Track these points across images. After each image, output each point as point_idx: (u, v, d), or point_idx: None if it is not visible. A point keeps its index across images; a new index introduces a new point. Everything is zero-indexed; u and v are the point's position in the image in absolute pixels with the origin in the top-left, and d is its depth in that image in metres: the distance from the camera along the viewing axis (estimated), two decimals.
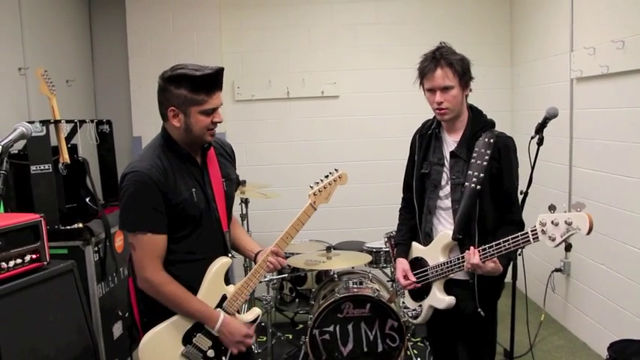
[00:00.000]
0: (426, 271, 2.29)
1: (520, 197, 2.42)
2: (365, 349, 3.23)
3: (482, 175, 2.12)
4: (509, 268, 2.27)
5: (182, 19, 4.74)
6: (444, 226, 2.25)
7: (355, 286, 3.35)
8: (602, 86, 3.49)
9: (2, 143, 1.81)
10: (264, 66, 4.90)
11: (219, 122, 1.99)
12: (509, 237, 1.98)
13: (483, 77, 4.84)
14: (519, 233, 1.96)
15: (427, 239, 2.33)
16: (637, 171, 3.15)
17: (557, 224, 1.82)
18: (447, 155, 2.26)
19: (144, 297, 2.00)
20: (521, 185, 2.42)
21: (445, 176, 2.25)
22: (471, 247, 2.09)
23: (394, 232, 3.49)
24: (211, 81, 1.92)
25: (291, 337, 4.02)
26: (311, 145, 4.96)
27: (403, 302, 2.48)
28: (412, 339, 3.77)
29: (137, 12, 4.72)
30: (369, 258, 3.64)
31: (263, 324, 3.76)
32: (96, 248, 3.13)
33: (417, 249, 2.37)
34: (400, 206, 2.52)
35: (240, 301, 2.09)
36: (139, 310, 2.07)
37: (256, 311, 2.15)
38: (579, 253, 3.87)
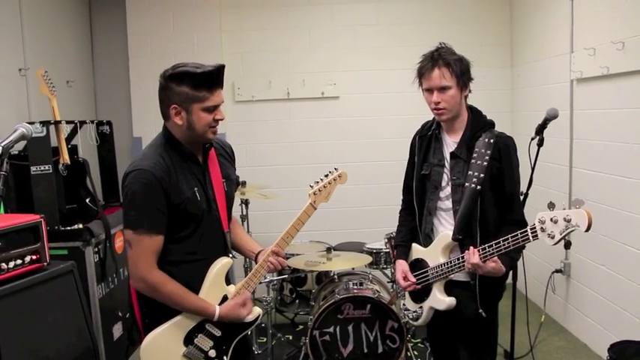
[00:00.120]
0: (426, 272, 2.29)
1: (520, 198, 2.41)
2: (365, 350, 3.22)
3: (482, 175, 2.12)
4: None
5: (182, 19, 4.75)
6: (445, 227, 2.25)
7: (355, 287, 3.35)
8: (603, 87, 3.49)
9: (2, 144, 1.81)
10: (264, 67, 4.90)
11: (221, 120, 2.00)
12: (509, 236, 1.98)
13: (483, 78, 4.84)
14: (519, 232, 1.96)
15: (427, 240, 2.32)
16: (637, 172, 3.15)
17: (556, 221, 1.81)
18: (447, 156, 2.26)
19: (145, 298, 2.00)
20: (522, 186, 2.42)
21: (445, 177, 2.25)
22: (471, 247, 2.09)
23: (394, 233, 3.51)
24: (212, 78, 1.94)
25: (291, 338, 4.02)
26: (311, 145, 4.96)
27: (404, 304, 2.48)
28: (412, 340, 3.77)
29: (137, 13, 4.72)
30: (370, 259, 3.65)
31: (263, 325, 3.76)
32: (96, 249, 3.13)
33: (417, 250, 2.37)
34: (400, 208, 2.52)
35: (240, 300, 2.09)
36: (140, 311, 2.06)
37: (257, 311, 2.15)
38: (579, 254, 3.87)
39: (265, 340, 3.77)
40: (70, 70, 4.41)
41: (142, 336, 2.05)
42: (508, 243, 1.98)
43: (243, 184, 3.93)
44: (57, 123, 3.25)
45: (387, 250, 3.69)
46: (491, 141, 2.15)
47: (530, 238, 1.92)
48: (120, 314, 3.39)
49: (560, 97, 3.96)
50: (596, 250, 3.62)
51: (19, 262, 2.18)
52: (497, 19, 4.98)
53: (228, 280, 2.13)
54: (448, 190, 2.24)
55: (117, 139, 3.94)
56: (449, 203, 2.24)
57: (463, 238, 2.16)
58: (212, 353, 2.06)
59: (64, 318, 2.37)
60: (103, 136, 3.77)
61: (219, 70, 1.95)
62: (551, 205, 1.84)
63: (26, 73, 3.67)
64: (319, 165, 4.71)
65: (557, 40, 4.02)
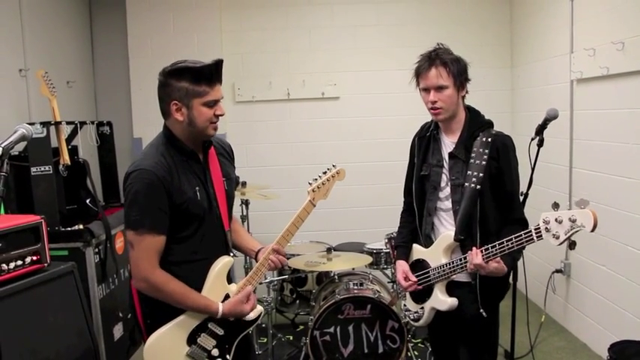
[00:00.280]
0: (428, 272, 2.29)
1: (520, 198, 2.41)
2: (365, 351, 3.23)
3: (481, 174, 2.12)
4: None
5: (183, 20, 4.75)
6: (446, 228, 2.25)
7: (356, 287, 3.35)
8: (603, 87, 3.49)
9: (3, 145, 1.81)
10: (264, 67, 4.90)
11: (222, 115, 2.01)
12: (513, 236, 1.97)
13: (483, 78, 4.85)
14: (523, 232, 1.95)
15: (428, 241, 2.32)
16: (637, 172, 3.15)
17: (560, 222, 1.81)
18: (446, 156, 2.26)
19: (147, 299, 2.00)
20: (522, 186, 2.42)
21: (445, 177, 2.25)
22: (474, 248, 2.08)
23: (395, 234, 3.50)
24: (211, 72, 1.95)
25: (291, 338, 4.02)
26: (311, 146, 4.96)
27: (404, 305, 2.48)
28: (413, 340, 3.77)
29: (138, 13, 4.72)
30: (370, 259, 3.65)
31: (264, 325, 3.76)
32: (96, 250, 3.13)
33: (418, 251, 2.37)
34: (402, 209, 2.52)
35: (242, 298, 2.09)
36: (142, 312, 2.06)
37: (258, 309, 2.15)
38: (579, 254, 3.87)
39: (266, 340, 3.77)
40: (70, 71, 4.41)
41: (144, 337, 2.05)
42: (512, 243, 1.98)
43: (244, 184, 3.93)
44: (57, 124, 3.25)
45: (388, 250, 3.69)
46: (489, 140, 2.15)
47: (535, 238, 1.91)
48: (120, 315, 3.39)
49: (561, 97, 3.96)
50: (597, 250, 3.62)
51: (19, 262, 2.18)
52: (497, 19, 4.98)
53: (230, 279, 2.13)
54: (447, 190, 2.24)
55: (117, 139, 3.94)
56: (448, 203, 2.24)
57: (464, 239, 2.16)
58: (215, 352, 2.06)
59: (64, 319, 2.37)
60: (103, 136, 3.77)
61: (218, 64, 1.96)
62: (556, 206, 1.84)
63: (26, 73, 3.67)
64: (319, 165, 4.64)
65: (558, 41, 4.02)
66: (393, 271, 3.76)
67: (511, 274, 2.28)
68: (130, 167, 1.96)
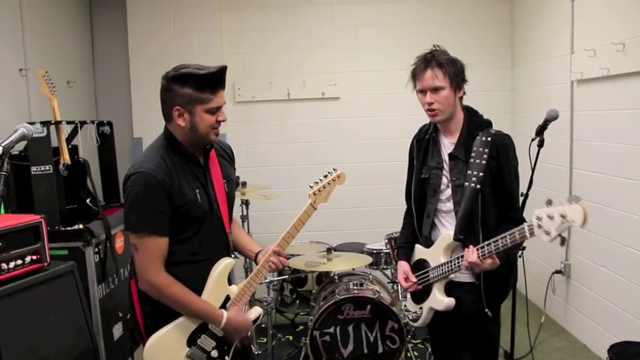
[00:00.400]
0: (427, 272, 2.29)
1: (521, 199, 2.41)
2: (365, 351, 3.23)
3: (481, 174, 2.11)
4: None
5: (183, 20, 4.75)
6: (447, 229, 2.24)
7: (356, 287, 3.35)
8: (603, 88, 3.49)
9: (3, 144, 1.81)
10: (264, 67, 4.90)
11: (224, 121, 2.01)
12: (507, 233, 1.97)
13: (484, 79, 4.86)
14: (516, 229, 1.94)
15: (428, 243, 2.33)
16: (637, 173, 3.15)
17: (552, 218, 1.80)
18: (446, 158, 2.25)
19: (147, 299, 2.00)
20: (522, 187, 2.42)
21: (445, 179, 2.25)
22: (470, 246, 2.08)
23: (395, 234, 3.51)
24: (215, 79, 1.94)
25: (291, 338, 4.02)
26: (311, 146, 4.96)
27: (405, 305, 2.48)
28: (412, 341, 3.77)
29: (138, 13, 4.72)
30: (370, 259, 3.65)
31: (263, 325, 3.76)
32: (96, 249, 3.13)
33: (419, 251, 2.37)
34: (405, 210, 2.52)
35: (243, 302, 2.10)
36: (142, 312, 2.06)
37: (258, 310, 2.16)
38: (579, 254, 3.87)
39: (265, 340, 3.77)
40: (70, 71, 4.41)
41: (144, 337, 2.05)
42: (506, 240, 1.97)
43: (244, 184, 3.93)
44: (57, 123, 3.25)
45: (388, 250, 3.69)
46: (489, 139, 2.15)
47: (527, 234, 1.90)
48: (120, 315, 3.39)
49: (561, 98, 3.96)
50: (596, 251, 3.62)
51: (19, 262, 2.18)
52: (497, 20, 4.98)
53: (230, 281, 2.13)
54: (448, 192, 2.24)
55: (117, 139, 3.94)
56: (450, 205, 2.23)
57: (465, 238, 2.16)
58: (214, 353, 2.06)
59: (64, 318, 2.37)
60: (103, 136, 3.77)
61: (222, 71, 1.96)
62: (549, 202, 1.84)
63: (27, 73, 3.67)
64: (320, 165, 4.68)
65: (558, 41, 4.03)
66: (393, 271, 3.77)
67: (511, 274, 2.28)
68: (130, 169, 1.96)
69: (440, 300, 2.23)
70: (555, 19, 4.10)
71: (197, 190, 2.01)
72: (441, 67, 2.15)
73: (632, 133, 3.18)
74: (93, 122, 3.72)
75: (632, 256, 3.22)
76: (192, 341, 2.03)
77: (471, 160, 2.15)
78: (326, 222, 4.67)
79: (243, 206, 4.09)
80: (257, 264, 2.15)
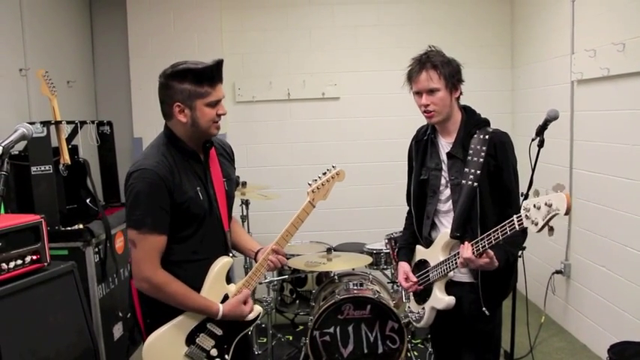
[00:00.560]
0: (427, 272, 2.29)
1: (520, 199, 2.41)
2: (365, 351, 3.22)
3: (478, 172, 2.11)
4: None
5: (183, 20, 4.75)
6: (447, 228, 2.24)
7: (355, 287, 3.35)
8: (603, 88, 3.49)
9: (3, 144, 1.81)
10: (264, 67, 4.90)
11: (224, 114, 2.02)
12: (498, 227, 1.97)
13: (484, 79, 4.86)
14: (506, 222, 1.94)
15: (428, 243, 2.33)
16: (637, 173, 3.15)
17: (539, 207, 1.80)
18: (444, 158, 2.25)
19: (147, 298, 2.00)
20: (522, 187, 2.41)
21: (444, 180, 2.25)
22: (465, 242, 2.08)
23: (395, 234, 3.52)
24: (213, 73, 1.95)
25: (291, 338, 4.02)
26: (312, 146, 4.96)
27: (408, 306, 2.48)
28: (412, 341, 3.77)
29: (138, 13, 4.72)
30: (370, 259, 3.65)
31: (263, 325, 3.76)
32: (96, 249, 3.14)
33: (420, 251, 2.38)
34: (407, 211, 2.51)
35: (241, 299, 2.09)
36: (142, 311, 2.06)
37: (257, 309, 2.16)
38: (579, 255, 3.87)
39: (265, 340, 3.77)
40: (70, 71, 4.41)
41: (144, 336, 2.05)
42: (497, 234, 1.96)
43: (244, 184, 3.93)
44: (57, 123, 3.25)
45: (387, 250, 3.69)
46: (487, 137, 2.15)
47: (516, 226, 1.89)
48: (120, 314, 3.39)
49: (561, 98, 3.96)
50: (596, 251, 3.62)
51: (19, 262, 2.18)
52: (498, 20, 4.98)
53: (229, 279, 2.13)
54: (447, 192, 2.24)
55: (117, 139, 3.95)
56: (449, 205, 2.23)
57: (462, 236, 2.15)
58: (214, 352, 2.06)
59: (64, 318, 2.38)
60: (103, 136, 3.78)
61: (219, 64, 1.97)
62: (536, 193, 1.84)
63: (27, 73, 3.67)
64: (320, 165, 4.65)
65: (558, 42, 4.02)
66: (393, 271, 3.77)
67: (510, 273, 2.27)
68: (132, 167, 1.96)
69: (440, 299, 2.23)
70: (556, 20, 4.10)
71: (198, 188, 2.01)
72: (435, 68, 2.15)
73: (632, 133, 3.18)
74: (93, 122, 3.72)
75: (632, 256, 3.22)
76: (191, 340, 2.03)
77: (469, 158, 2.15)
78: (326, 222, 4.67)
79: (243, 206, 4.09)
80: (257, 262, 2.15)
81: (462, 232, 2.15)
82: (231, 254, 2.17)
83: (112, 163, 3.87)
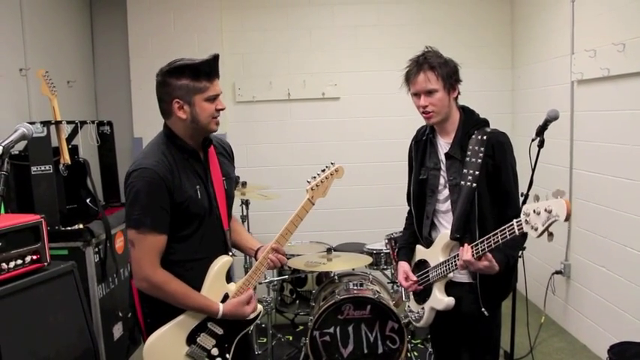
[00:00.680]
0: (427, 272, 2.29)
1: (521, 199, 2.41)
2: (365, 351, 3.22)
3: (477, 172, 2.11)
4: None
5: (183, 20, 4.75)
6: (446, 228, 2.24)
7: (355, 287, 3.35)
8: (603, 89, 3.49)
9: (3, 144, 1.81)
10: (265, 67, 4.90)
11: (222, 109, 2.02)
12: (498, 230, 1.97)
13: (484, 79, 4.85)
14: (505, 225, 1.94)
15: (428, 243, 2.33)
16: (637, 173, 3.15)
17: (538, 213, 1.80)
18: (443, 158, 2.25)
19: (147, 298, 2.00)
20: (522, 187, 2.41)
21: (442, 179, 2.25)
22: (465, 245, 2.08)
23: (395, 234, 3.52)
24: (210, 67, 1.96)
25: (291, 338, 4.02)
26: (312, 146, 4.96)
27: (408, 306, 2.49)
28: (412, 341, 3.77)
29: (138, 13, 4.72)
30: (370, 260, 3.65)
31: (263, 325, 3.76)
32: (96, 249, 3.14)
33: (420, 251, 2.38)
34: (407, 211, 2.52)
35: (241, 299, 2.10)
36: (142, 311, 2.06)
37: (258, 308, 2.15)
38: (579, 255, 3.87)
39: (265, 340, 3.77)
40: (70, 70, 4.41)
41: (144, 336, 2.05)
42: (497, 238, 1.97)
43: (244, 184, 3.93)
44: (57, 123, 3.25)
45: (388, 250, 3.69)
46: (484, 138, 2.15)
47: (516, 231, 1.90)
48: (120, 314, 3.39)
49: (561, 98, 3.96)
50: (596, 251, 3.62)
51: (19, 262, 2.18)
52: (498, 20, 4.98)
53: (229, 279, 2.13)
54: (446, 192, 2.24)
55: (117, 139, 3.95)
56: (448, 205, 2.24)
57: (461, 237, 2.15)
58: (214, 352, 2.06)
59: (64, 318, 2.38)
60: (103, 136, 3.78)
61: (215, 58, 1.98)
62: (536, 198, 1.84)
63: (27, 73, 3.67)
64: (320, 165, 4.64)
65: (558, 42, 4.02)
66: (393, 271, 3.77)
67: (510, 274, 2.27)
68: (131, 166, 1.96)
69: (440, 299, 2.24)
70: (556, 20, 4.09)
71: (197, 187, 2.01)
72: (433, 69, 2.14)
73: (632, 133, 3.18)
74: (93, 122, 3.72)
75: (632, 256, 3.22)
76: (191, 339, 2.03)
77: (467, 159, 2.15)
78: (326, 222, 4.67)
79: (244, 206, 4.09)
80: (257, 261, 2.15)
81: (461, 233, 2.15)
82: (231, 253, 2.17)
83: (112, 163, 3.87)
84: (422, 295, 2.35)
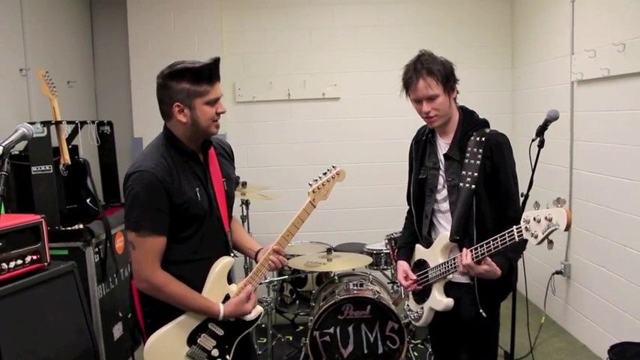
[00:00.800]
0: (427, 272, 2.29)
1: (521, 199, 2.41)
2: (365, 351, 3.22)
3: (476, 174, 2.11)
4: None
5: (183, 20, 4.75)
6: (445, 229, 2.25)
7: (356, 287, 3.35)
8: (603, 89, 3.49)
9: (3, 144, 1.81)
10: (265, 67, 4.90)
11: (223, 112, 2.02)
12: (498, 235, 1.98)
13: (484, 79, 4.85)
14: (505, 231, 1.95)
15: (428, 243, 2.33)
16: (637, 173, 3.15)
17: (539, 221, 1.81)
18: (442, 158, 2.26)
19: (147, 299, 2.00)
20: (522, 188, 2.41)
21: (441, 180, 2.26)
22: (464, 249, 2.09)
23: (395, 234, 3.52)
24: (210, 71, 1.95)
25: (291, 338, 4.02)
26: (312, 146, 4.96)
27: (407, 305, 2.49)
28: (412, 341, 3.77)
29: (138, 13, 4.72)
30: (370, 260, 3.65)
31: (263, 325, 3.76)
32: (96, 249, 3.14)
33: (419, 251, 2.38)
34: (407, 210, 2.52)
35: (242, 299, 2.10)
36: (142, 312, 2.06)
37: (258, 309, 2.16)
38: (579, 255, 3.87)
39: (265, 340, 3.77)
40: (70, 71, 4.41)
41: (144, 336, 2.05)
42: (497, 243, 1.98)
43: (244, 184, 3.93)
44: (58, 123, 3.25)
45: (388, 251, 3.69)
46: (483, 139, 2.15)
47: (516, 237, 1.91)
48: (120, 314, 3.39)
49: (561, 98, 3.96)
50: (597, 251, 3.62)
51: (19, 262, 2.18)
52: (498, 20, 4.98)
53: (230, 280, 2.13)
54: (445, 192, 2.24)
55: (117, 139, 3.95)
56: (446, 205, 2.24)
57: (461, 239, 2.16)
58: (215, 352, 2.06)
59: (64, 318, 2.38)
60: (103, 136, 3.78)
61: (216, 62, 1.97)
62: (537, 205, 1.85)
63: (27, 73, 3.67)
64: (320, 166, 4.64)
65: (558, 42, 4.02)
66: (393, 271, 3.77)
67: (510, 275, 2.27)
68: (130, 168, 1.96)
69: (439, 300, 2.24)
70: (556, 20, 4.10)
71: (197, 189, 2.01)
72: (432, 74, 2.13)
73: (632, 133, 3.18)
74: (93, 122, 3.72)
75: (632, 256, 3.22)
76: (192, 340, 2.03)
77: (466, 160, 2.15)
78: (326, 222, 4.67)
79: (244, 206, 4.09)
80: (257, 262, 2.15)
81: (461, 235, 2.15)
82: (232, 254, 2.17)
83: (112, 163, 3.87)
84: (421, 295, 2.35)
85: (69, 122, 3.36)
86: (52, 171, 3.00)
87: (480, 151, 2.13)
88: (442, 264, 2.21)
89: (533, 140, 2.89)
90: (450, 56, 2.24)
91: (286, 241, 2.11)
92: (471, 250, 2.06)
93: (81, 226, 3.09)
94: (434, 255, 2.27)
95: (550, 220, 1.77)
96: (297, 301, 3.82)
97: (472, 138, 2.17)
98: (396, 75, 2.30)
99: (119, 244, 3.39)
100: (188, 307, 2.01)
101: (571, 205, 3.90)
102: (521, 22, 4.80)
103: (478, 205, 2.14)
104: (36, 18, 3.86)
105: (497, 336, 2.33)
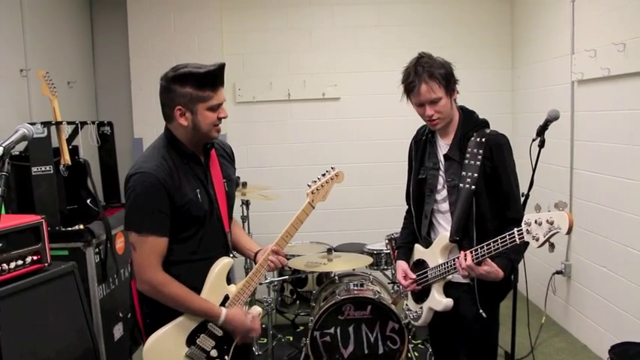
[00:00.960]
0: (426, 272, 2.29)
1: (521, 199, 2.41)
2: (366, 351, 3.22)
3: (476, 175, 2.11)
4: None
5: (183, 20, 4.75)
6: (444, 229, 2.25)
7: (356, 288, 3.35)
8: (603, 89, 3.49)
9: (4, 145, 1.81)
10: (265, 68, 4.91)
11: (225, 117, 2.01)
12: (498, 237, 1.98)
13: (484, 79, 4.85)
14: (506, 233, 1.95)
15: (427, 243, 2.33)
16: (638, 173, 3.15)
17: (540, 224, 1.81)
18: (442, 159, 2.26)
19: (147, 299, 2.00)
20: (523, 187, 2.41)
21: (441, 180, 2.26)
22: (462, 252, 2.08)
23: (395, 234, 3.51)
24: (215, 77, 1.95)
25: (291, 339, 4.02)
26: (312, 146, 4.96)
27: (406, 304, 2.49)
28: (413, 341, 3.77)
29: (138, 14, 4.73)
30: (370, 260, 3.65)
31: (264, 326, 3.74)
32: (97, 250, 3.14)
33: (418, 251, 2.38)
34: (406, 210, 2.52)
35: (242, 301, 2.10)
36: (142, 312, 2.06)
37: (257, 309, 2.16)
38: (580, 255, 3.87)
39: (266, 341, 3.77)
40: (71, 71, 4.42)
41: (143, 337, 2.05)
42: (497, 244, 1.98)
43: (244, 185, 3.93)
44: (58, 124, 3.26)
45: (388, 251, 3.69)
46: (483, 140, 2.15)
47: (517, 240, 1.91)
48: (120, 315, 3.39)
49: (561, 98, 3.96)
50: (597, 251, 3.62)
51: (20, 262, 2.19)
52: (498, 20, 4.97)
53: (229, 280, 2.13)
54: (444, 192, 2.24)
55: (118, 139, 3.95)
56: (446, 206, 2.24)
57: (460, 240, 2.16)
58: (214, 353, 2.06)
59: (64, 319, 2.38)
60: (103, 136, 3.78)
61: (221, 68, 1.97)
62: (538, 208, 1.85)
63: (27, 73, 3.67)
64: (320, 166, 4.63)
65: (558, 42, 4.02)
66: (393, 271, 3.76)
67: (509, 276, 2.27)
68: (131, 170, 1.96)
69: (438, 301, 2.24)
70: (556, 20, 4.09)
71: (197, 190, 2.02)
72: (433, 78, 2.13)
73: (633, 133, 3.18)
74: (93, 123, 3.72)
75: (633, 256, 3.22)
76: (191, 341, 2.03)
77: (466, 161, 2.15)
78: (326, 222, 4.67)
79: (244, 207, 4.09)
80: (256, 263, 2.15)
81: (461, 236, 2.15)
82: (231, 255, 2.17)
83: (113, 164, 3.87)
84: (420, 295, 2.35)
85: (69, 123, 3.36)
86: (52, 171, 3.00)
87: (480, 151, 2.13)
88: (442, 264, 2.21)
89: (533, 140, 2.89)
90: (450, 56, 2.24)
91: (285, 241, 2.11)
92: (471, 252, 2.06)
93: (81, 226, 3.09)
94: (433, 255, 2.27)
95: (552, 223, 1.77)
96: (298, 302, 3.82)
97: (472, 138, 2.17)
98: (396, 75, 2.30)
99: (119, 244, 3.39)
100: (189, 309, 2.01)
101: (571, 205, 3.90)
102: (521, 22, 4.80)
103: (478, 205, 2.14)
104: (36, 19, 3.86)
105: (496, 336, 2.33)
